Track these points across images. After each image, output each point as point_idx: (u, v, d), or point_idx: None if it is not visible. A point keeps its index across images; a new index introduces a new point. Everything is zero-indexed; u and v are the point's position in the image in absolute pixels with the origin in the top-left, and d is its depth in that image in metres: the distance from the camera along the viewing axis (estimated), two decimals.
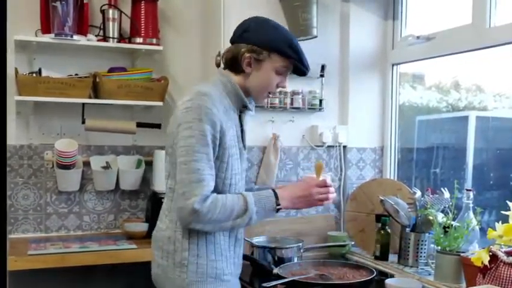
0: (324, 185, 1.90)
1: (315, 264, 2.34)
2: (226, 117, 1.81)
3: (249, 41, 1.85)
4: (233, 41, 1.91)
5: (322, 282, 2.13)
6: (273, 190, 1.85)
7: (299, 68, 1.91)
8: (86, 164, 2.91)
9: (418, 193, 2.48)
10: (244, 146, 1.94)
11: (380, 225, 2.52)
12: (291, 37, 1.90)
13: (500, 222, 1.89)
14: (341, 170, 2.91)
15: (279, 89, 1.95)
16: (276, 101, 2.72)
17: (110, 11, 2.85)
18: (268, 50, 1.84)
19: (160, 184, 2.81)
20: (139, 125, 2.92)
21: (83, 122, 2.83)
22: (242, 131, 1.95)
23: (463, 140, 2.75)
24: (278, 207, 1.82)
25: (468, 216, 2.16)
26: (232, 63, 1.89)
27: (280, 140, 2.75)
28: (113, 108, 2.94)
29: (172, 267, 1.82)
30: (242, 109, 1.94)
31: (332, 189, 1.91)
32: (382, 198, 2.47)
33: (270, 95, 1.97)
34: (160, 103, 2.91)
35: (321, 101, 2.84)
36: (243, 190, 1.91)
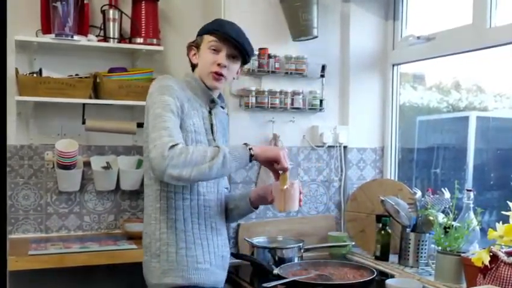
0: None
1: (315, 264, 2.34)
2: (188, 104, 1.91)
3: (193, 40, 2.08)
4: None
5: (322, 283, 2.13)
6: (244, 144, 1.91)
7: (227, 37, 1.95)
8: (87, 164, 2.90)
9: (419, 193, 2.48)
10: (214, 138, 2.00)
11: (380, 225, 2.52)
12: (219, 19, 2.13)
13: (500, 222, 1.89)
14: (342, 170, 2.91)
15: (224, 70, 1.98)
16: (277, 101, 2.72)
17: (111, 11, 2.85)
18: (199, 34, 2.04)
19: None
20: (140, 125, 2.92)
21: (84, 122, 2.83)
22: (212, 125, 2.02)
23: (463, 140, 2.75)
24: (250, 149, 1.84)
25: (468, 217, 2.16)
26: (191, 65, 2.09)
27: (280, 140, 2.75)
28: (114, 108, 2.94)
29: (149, 260, 1.92)
30: (211, 105, 2.04)
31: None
32: (382, 198, 2.47)
33: (217, 76, 1.99)
34: None
35: (321, 101, 2.84)
36: (211, 184, 1.98)
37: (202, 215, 1.94)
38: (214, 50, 1.98)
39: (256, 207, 2.11)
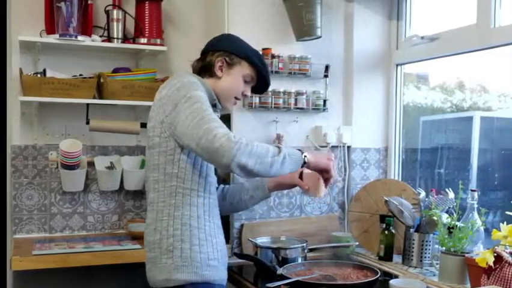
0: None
1: (319, 264, 2.34)
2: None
3: (223, 48, 2.04)
4: (206, 50, 2.08)
5: (326, 283, 2.12)
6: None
7: (263, 79, 2.09)
8: (91, 164, 2.91)
9: (422, 194, 2.48)
10: None
11: (384, 225, 2.52)
12: (258, 51, 2.11)
13: (504, 222, 1.89)
14: (345, 171, 2.91)
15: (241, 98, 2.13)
16: (280, 101, 2.72)
17: (115, 12, 2.86)
18: (240, 56, 2.03)
19: None
20: (143, 125, 2.92)
21: (88, 123, 2.83)
22: None
23: (467, 141, 2.75)
24: (304, 154, 1.90)
25: (473, 217, 2.16)
26: (205, 69, 2.04)
27: (284, 141, 2.74)
28: (118, 108, 2.95)
29: (159, 256, 1.89)
30: (213, 109, 2.02)
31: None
32: (386, 198, 2.47)
33: (236, 102, 2.13)
34: None
35: (325, 101, 2.84)
36: (215, 185, 2.02)
37: (212, 213, 1.96)
38: (245, 81, 2.06)
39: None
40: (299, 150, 1.92)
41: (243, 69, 2.03)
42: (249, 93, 2.11)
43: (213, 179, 2.00)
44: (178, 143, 1.85)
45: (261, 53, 2.60)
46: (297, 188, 2.34)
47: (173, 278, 1.87)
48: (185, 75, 1.94)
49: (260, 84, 2.12)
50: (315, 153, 2.06)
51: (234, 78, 2.03)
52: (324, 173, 2.03)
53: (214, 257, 1.92)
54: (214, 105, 2.02)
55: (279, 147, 1.82)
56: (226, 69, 2.02)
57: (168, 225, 1.89)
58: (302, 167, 1.91)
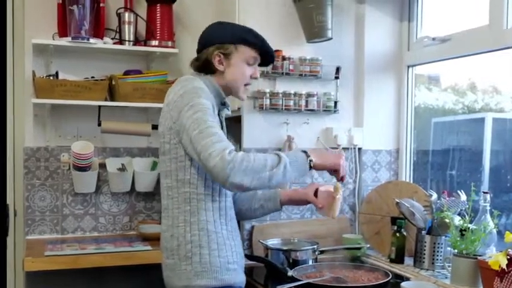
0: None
1: (330, 266, 2.34)
2: (213, 103, 1.90)
3: (214, 41, 1.97)
4: (199, 49, 2.03)
5: (337, 285, 2.12)
6: (301, 150, 1.92)
7: (265, 52, 2.01)
8: (102, 166, 2.93)
9: (434, 196, 2.46)
10: None
11: (395, 227, 2.51)
12: (249, 28, 2.02)
13: None
14: (356, 172, 2.90)
15: (252, 81, 2.07)
16: (291, 103, 2.72)
17: (126, 15, 2.87)
18: (233, 42, 1.96)
19: None
20: (155, 127, 2.94)
21: (99, 125, 2.85)
22: (222, 127, 2.01)
23: (479, 142, 2.73)
24: (309, 158, 1.85)
25: (485, 219, 2.14)
26: (205, 67, 1.99)
27: (295, 142, 2.74)
28: (129, 110, 2.96)
29: (178, 263, 1.87)
30: (221, 107, 2.02)
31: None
32: (398, 200, 2.46)
33: (248, 88, 2.06)
34: None
35: (336, 103, 2.83)
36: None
37: (228, 217, 1.94)
38: (249, 63, 1.99)
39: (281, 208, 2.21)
40: (304, 152, 1.86)
41: (242, 54, 1.97)
42: (257, 74, 2.06)
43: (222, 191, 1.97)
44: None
45: None
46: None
47: (194, 284, 1.85)
48: (189, 80, 1.91)
49: (264, 58, 2.05)
50: (322, 152, 1.98)
51: (237, 67, 1.97)
52: (333, 173, 1.97)
53: (234, 260, 1.90)
54: (223, 104, 2.01)
55: (279, 156, 1.78)
56: (226, 61, 1.96)
57: (185, 232, 1.87)
58: (310, 169, 1.86)
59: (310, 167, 1.86)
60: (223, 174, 1.68)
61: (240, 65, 1.97)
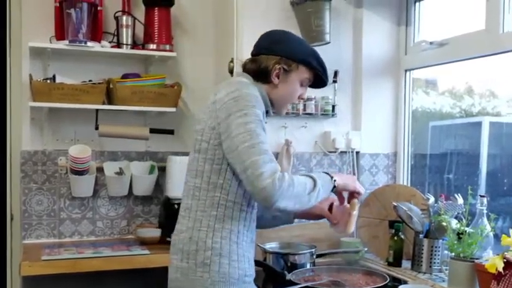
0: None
1: (328, 270, 2.33)
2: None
3: (279, 52, 1.90)
4: (259, 52, 1.94)
5: None
6: (323, 172, 1.93)
7: (322, 79, 2.00)
8: (100, 169, 2.92)
9: (432, 199, 2.46)
10: None
11: (393, 231, 2.51)
12: (315, 50, 1.98)
13: None
14: (354, 176, 2.90)
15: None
16: (289, 106, 2.71)
17: (124, 18, 2.87)
18: (297, 61, 1.91)
19: (173, 190, 2.81)
20: (152, 131, 2.94)
21: (97, 128, 2.85)
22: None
23: (476, 146, 2.74)
24: (334, 179, 1.86)
25: (482, 223, 2.14)
26: (260, 74, 1.91)
27: (293, 146, 2.74)
28: (127, 114, 2.96)
29: (193, 268, 1.79)
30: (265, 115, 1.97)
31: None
32: (395, 204, 2.46)
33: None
34: (173, 109, 2.92)
35: (333, 106, 2.84)
36: None
37: (250, 228, 1.90)
38: (302, 84, 1.97)
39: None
40: (326, 173, 1.88)
41: (300, 74, 1.93)
42: (305, 96, 2.04)
43: None
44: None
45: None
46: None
47: None
48: (245, 84, 1.82)
49: (316, 82, 2.02)
50: (342, 174, 2.02)
51: (292, 85, 1.93)
52: (351, 193, 1.99)
53: (250, 273, 1.87)
54: (267, 112, 1.93)
55: (314, 180, 1.77)
56: (283, 76, 1.91)
57: (207, 237, 1.79)
58: (332, 191, 1.88)
59: (333, 188, 1.87)
60: (271, 198, 1.66)
61: (295, 84, 1.94)
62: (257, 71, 1.91)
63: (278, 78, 1.90)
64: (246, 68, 1.95)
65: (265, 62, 1.90)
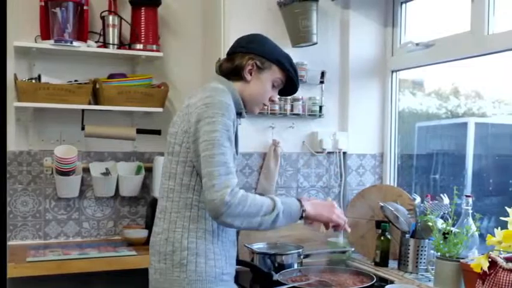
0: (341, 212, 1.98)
1: (315, 270, 2.34)
2: (235, 118, 1.86)
3: (254, 50, 1.94)
4: (235, 51, 1.97)
5: None
6: (297, 199, 1.89)
7: (293, 83, 2.01)
8: (86, 170, 2.91)
9: (418, 199, 2.48)
10: (236, 151, 1.97)
11: (380, 231, 2.52)
12: (288, 55, 2.01)
13: (499, 228, 1.89)
14: (341, 176, 2.91)
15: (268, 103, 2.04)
16: (276, 107, 2.73)
17: (110, 18, 2.86)
18: (271, 60, 1.94)
19: None
20: (139, 131, 2.93)
21: (83, 129, 2.83)
22: (237, 136, 1.97)
23: (462, 147, 2.76)
24: (303, 210, 1.84)
25: (467, 222, 2.16)
26: (234, 71, 1.94)
27: (280, 146, 2.75)
28: (113, 114, 2.94)
29: (171, 269, 1.82)
30: (237, 115, 1.97)
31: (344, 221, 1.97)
32: (382, 204, 2.47)
33: (264, 107, 2.04)
34: (160, 109, 2.91)
35: (321, 107, 2.85)
36: None
37: (226, 228, 1.90)
38: (274, 85, 1.98)
39: None
40: (299, 200, 1.86)
41: (273, 74, 1.95)
42: (276, 98, 2.04)
43: None
44: None
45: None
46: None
47: None
48: (219, 91, 1.84)
49: (288, 88, 2.03)
50: (317, 203, 1.94)
51: (263, 84, 1.95)
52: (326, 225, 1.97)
53: (227, 272, 1.88)
54: (239, 114, 1.96)
55: (274, 203, 1.77)
56: (256, 74, 1.94)
57: (182, 238, 1.82)
58: (300, 219, 1.86)
59: (301, 218, 1.86)
60: (217, 211, 1.69)
61: (267, 83, 1.95)
62: (231, 69, 1.95)
63: (251, 74, 1.93)
64: (221, 67, 1.99)
65: (239, 59, 1.93)
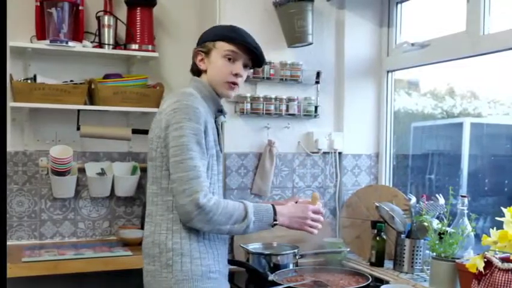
0: (319, 211, 2.00)
1: (310, 270, 2.34)
2: (207, 122, 1.89)
3: (198, 43, 2.03)
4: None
5: None
6: (273, 205, 1.93)
7: (249, 49, 1.96)
8: (81, 170, 2.90)
9: (413, 199, 2.48)
10: (221, 149, 2.01)
11: (375, 231, 2.52)
12: (236, 27, 2.02)
13: (494, 228, 1.90)
14: (336, 177, 2.91)
15: (239, 79, 1.99)
16: (272, 107, 2.73)
17: (106, 18, 2.85)
18: (210, 40, 1.97)
19: None
20: (135, 131, 2.92)
21: (78, 129, 2.82)
22: (218, 134, 2.01)
23: (457, 147, 2.76)
24: (275, 222, 1.90)
25: (463, 223, 2.16)
26: (193, 68, 2.03)
27: (275, 147, 2.75)
28: (109, 114, 2.94)
29: (159, 270, 1.87)
30: (217, 114, 2.03)
31: (321, 218, 2.01)
32: (377, 204, 2.48)
33: (233, 86, 1.99)
34: (156, 109, 2.89)
35: (316, 107, 2.85)
36: (220, 191, 2.01)
37: None
38: (229, 59, 1.95)
39: None
40: (273, 207, 1.90)
41: (220, 50, 1.95)
42: (240, 71, 1.97)
43: (215, 185, 1.94)
44: None
45: None
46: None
47: None
48: (186, 96, 1.88)
49: (249, 54, 1.98)
50: (291, 213, 1.95)
51: (215, 63, 1.96)
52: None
53: (216, 269, 1.90)
54: (220, 111, 2.02)
55: (246, 213, 1.82)
56: (207, 59, 1.98)
57: (167, 239, 1.86)
58: (273, 227, 1.91)
59: (273, 226, 1.91)
60: (187, 216, 1.77)
61: (219, 61, 1.95)
62: (193, 69, 2.04)
63: (203, 62, 1.98)
64: (191, 71, 2.06)
65: (193, 58, 2.02)
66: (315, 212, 1.99)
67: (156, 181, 1.90)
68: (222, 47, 1.95)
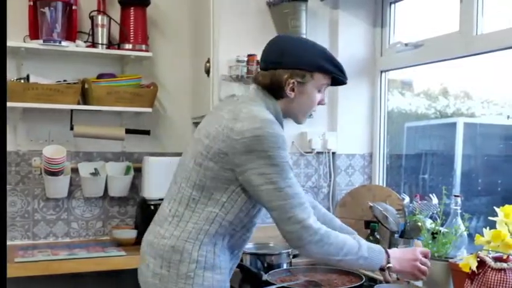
0: (427, 254, 1.92)
1: (304, 270, 2.34)
2: None
3: (291, 65, 1.79)
4: (267, 67, 1.83)
5: None
6: (384, 248, 1.86)
7: (340, 79, 1.88)
8: (75, 170, 2.89)
9: (407, 199, 2.49)
10: None
11: (369, 231, 2.52)
12: (324, 51, 1.87)
13: (488, 228, 1.90)
14: (330, 176, 2.92)
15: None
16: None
17: (99, 17, 2.84)
18: (310, 71, 1.80)
19: (149, 191, 2.79)
20: (128, 131, 2.92)
21: (72, 129, 2.81)
22: None
23: (451, 147, 2.77)
24: (388, 265, 1.81)
25: (456, 222, 2.16)
26: (273, 89, 1.81)
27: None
28: (102, 114, 2.93)
29: (174, 278, 1.75)
30: None
31: (429, 262, 1.92)
32: (371, 204, 2.48)
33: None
34: (149, 109, 2.91)
35: None
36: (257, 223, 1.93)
37: (240, 247, 1.89)
38: (320, 90, 1.85)
39: None
40: (386, 252, 1.82)
41: (317, 82, 1.81)
42: (325, 100, 1.91)
43: (258, 220, 1.89)
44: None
45: (245, 59, 2.61)
46: None
47: None
48: (269, 123, 1.70)
49: (335, 82, 1.89)
50: (403, 259, 1.85)
51: (309, 95, 1.82)
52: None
53: (227, 285, 1.86)
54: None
55: (359, 246, 1.75)
56: (298, 88, 1.79)
57: (193, 250, 1.74)
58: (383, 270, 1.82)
59: (383, 269, 1.82)
60: (298, 243, 1.71)
61: (313, 93, 1.83)
62: (269, 86, 1.80)
63: (293, 91, 1.79)
64: (258, 81, 1.84)
65: (276, 77, 1.78)
66: (425, 255, 1.90)
67: (203, 189, 1.75)
68: (320, 80, 1.82)
